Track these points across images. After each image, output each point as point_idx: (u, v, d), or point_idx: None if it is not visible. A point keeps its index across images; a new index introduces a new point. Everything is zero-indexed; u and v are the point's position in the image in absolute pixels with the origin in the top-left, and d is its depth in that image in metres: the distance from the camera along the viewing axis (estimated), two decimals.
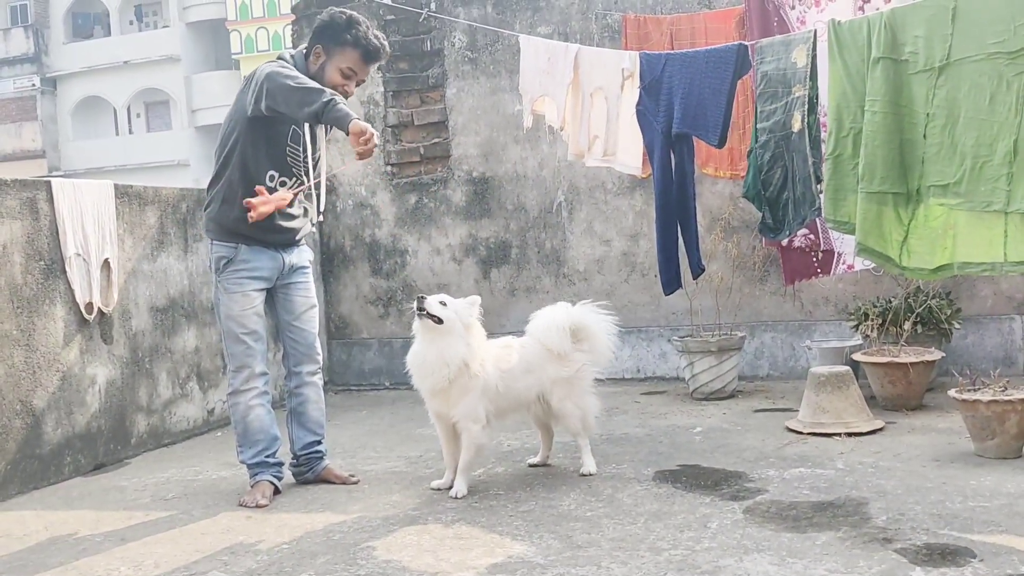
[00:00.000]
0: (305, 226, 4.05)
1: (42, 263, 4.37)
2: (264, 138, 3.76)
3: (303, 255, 4.07)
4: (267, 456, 3.94)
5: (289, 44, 7.71)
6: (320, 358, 4.11)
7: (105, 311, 4.70)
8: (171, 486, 4.22)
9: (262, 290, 3.90)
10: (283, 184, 3.83)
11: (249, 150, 3.76)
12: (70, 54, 32.32)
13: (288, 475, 4.09)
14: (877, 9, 4.55)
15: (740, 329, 5.71)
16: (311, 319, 4.05)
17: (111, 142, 32.20)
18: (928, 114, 3.70)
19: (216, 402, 5.53)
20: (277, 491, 3.92)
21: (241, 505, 3.80)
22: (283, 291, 3.99)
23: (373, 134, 3.42)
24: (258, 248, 3.84)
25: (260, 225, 3.73)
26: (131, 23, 32.90)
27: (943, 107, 3.65)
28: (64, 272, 4.47)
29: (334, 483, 4.06)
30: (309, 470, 4.09)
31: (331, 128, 3.80)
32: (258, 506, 3.77)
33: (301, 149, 3.82)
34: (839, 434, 4.29)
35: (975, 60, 3.55)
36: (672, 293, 5.14)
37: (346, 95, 3.78)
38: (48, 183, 4.48)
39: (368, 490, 3.95)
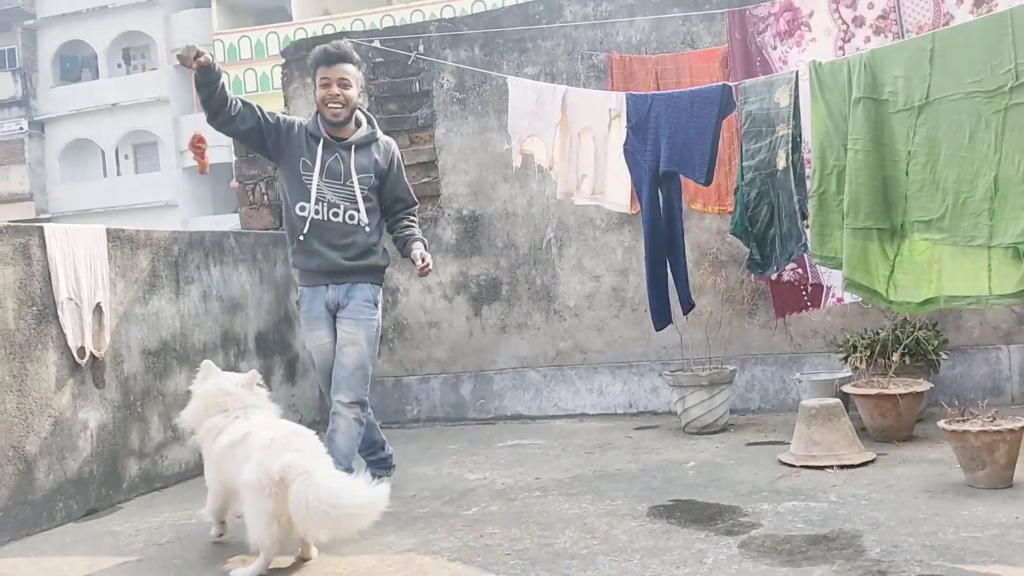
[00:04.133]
0: (357, 258, 4.17)
1: (35, 308, 4.38)
2: (287, 177, 4.19)
3: (353, 293, 4.19)
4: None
5: (278, 85, 7.78)
6: (357, 393, 4.16)
7: (97, 355, 4.71)
8: (164, 530, 4.19)
9: (326, 329, 4.22)
10: (316, 212, 4.13)
11: (285, 193, 4.23)
12: (58, 97, 32.42)
13: None
14: (857, 50, 4.67)
15: (730, 362, 5.75)
16: (347, 354, 4.15)
17: (99, 184, 32.20)
18: (909, 152, 3.78)
19: None
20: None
21: None
22: (337, 326, 4.22)
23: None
24: (312, 287, 4.22)
25: (305, 249, 4.15)
26: (119, 66, 33.06)
27: (924, 145, 3.73)
28: (56, 317, 4.48)
29: None
30: None
31: (392, 162, 4.29)
32: None
33: (317, 174, 4.14)
34: (831, 467, 4.31)
35: (954, 99, 3.64)
36: (663, 329, 5.19)
37: (334, 99, 4.09)
38: (41, 228, 4.51)
39: (363, 530, 3.93)
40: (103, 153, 32.56)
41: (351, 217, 4.16)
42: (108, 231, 4.89)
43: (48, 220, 27.90)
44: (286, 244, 4.32)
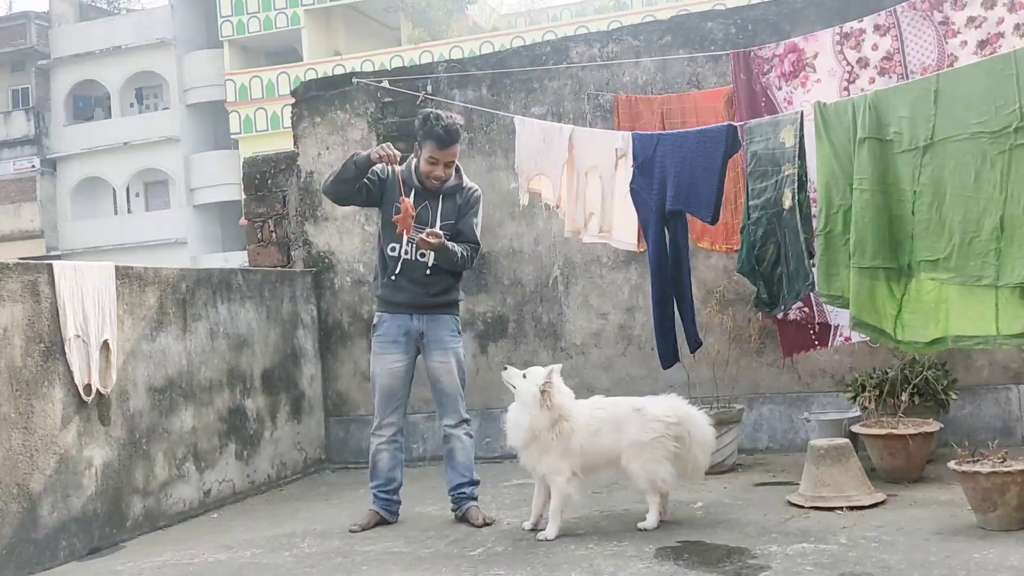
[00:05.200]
0: (440, 293, 4.57)
1: (42, 345, 4.39)
2: (383, 221, 4.60)
3: (440, 325, 4.60)
4: (379, 491, 4.66)
5: (288, 125, 7.87)
6: (460, 414, 4.65)
7: (103, 392, 4.70)
8: (167, 570, 4.16)
9: (400, 352, 4.59)
10: (406, 252, 4.55)
11: (380, 234, 4.66)
12: (70, 136, 32.77)
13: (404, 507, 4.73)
14: (862, 90, 4.70)
15: (738, 401, 5.71)
16: (446, 383, 4.62)
17: (110, 222, 32.43)
18: (915, 191, 3.78)
19: (213, 483, 5.49)
20: (384, 520, 4.65)
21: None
22: (426, 357, 4.64)
23: (384, 147, 4.37)
24: (394, 314, 4.58)
25: (394, 284, 4.55)
26: (131, 105, 33.45)
27: (929, 185, 3.74)
28: (63, 354, 4.48)
29: (474, 524, 4.50)
30: (458, 508, 4.65)
31: (471, 204, 4.66)
32: (351, 531, 4.55)
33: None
34: (841, 508, 4.26)
35: (959, 139, 3.65)
36: (670, 367, 5.16)
37: (439, 179, 4.52)
38: (50, 266, 4.53)
39: (367, 571, 3.90)
40: (114, 191, 32.84)
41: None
42: (117, 268, 4.91)
43: (58, 257, 28.08)
44: (376, 277, 4.73)
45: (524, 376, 4.22)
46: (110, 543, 4.68)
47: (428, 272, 4.54)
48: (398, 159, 4.41)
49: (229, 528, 4.91)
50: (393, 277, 4.55)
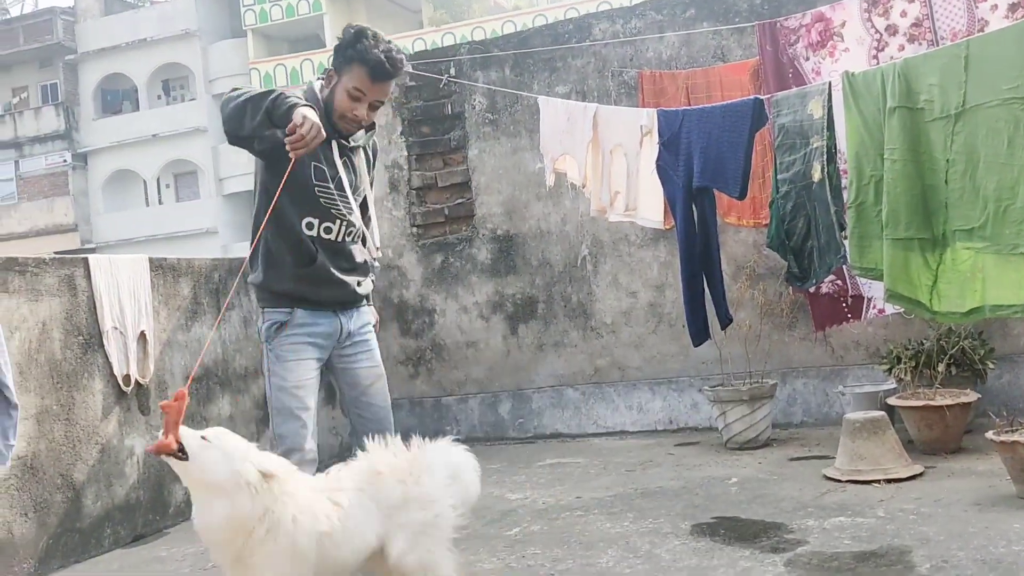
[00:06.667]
0: (365, 281, 3.40)
1: (80, 338, 4.47)
2: (289, 185, 3.02)
3: (363, 317, 3.40)
4: None
5: None
6: (391, 432, 3.17)
7: (142, 382, 4.78)
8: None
9: (319, 359, 3.29)
10: (327, 231, 3.22)
11: (281, 204, 3.10)
12: (100, 130, 33.17)
13: None
14: (891, 58, 4.63)
15: (771, 376, 5.68)
16: (380, 391, 3.43)
17: (141, 213, 32.85)
18: (948, 160, 3.73)
19: None
20: None
21: None
22: (344, 362, 3.36)
23: (310, 125, 2.79)
24: (315, 310, 3.23)
25: (314, 277, 3.22)
26: (159, 97, 33.77)
27: (962, 153, 3.68)
28: (102, 346, 4.57)
29: None
30: None
31: (375, 159, 3.45)
32: None
33: (333, 185, 3.20)
34: (878, 481, 4.24)
35: (990, 106, 3.59)
36: (701, 344, 5.15)
37: (358, 121, 3.19)
38: (85, 260, 4.61)
39: None
40: (144, 183, 33.23)
41: (362, 234, 3.37)
42: (150, 260, 4.98)
43: (92, 250, 28.48)
44: (273, 264, 3.22)
45: (205, 439, 2.63)
46: (153, 530, 4.77)
47: (352, 252, 3.33)
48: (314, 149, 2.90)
49: None
50: (315, 265, 3.22)
